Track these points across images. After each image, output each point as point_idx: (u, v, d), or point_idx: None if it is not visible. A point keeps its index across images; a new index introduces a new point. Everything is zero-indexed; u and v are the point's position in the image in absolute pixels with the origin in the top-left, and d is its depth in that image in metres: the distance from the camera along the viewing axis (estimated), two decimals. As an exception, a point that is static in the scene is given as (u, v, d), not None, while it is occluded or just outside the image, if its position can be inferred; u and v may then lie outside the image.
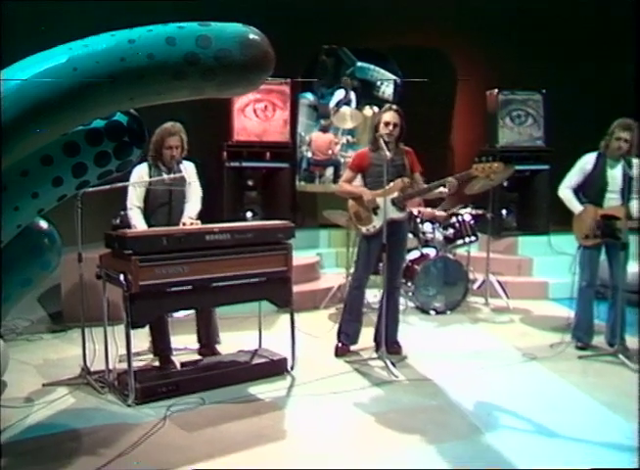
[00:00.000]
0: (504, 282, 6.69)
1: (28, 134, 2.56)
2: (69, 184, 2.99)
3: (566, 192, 5.03)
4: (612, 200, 4.83)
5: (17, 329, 5.40)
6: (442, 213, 6.46)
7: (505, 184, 7.25)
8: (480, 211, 6.57)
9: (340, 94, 8.72)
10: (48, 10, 5.58)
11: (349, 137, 8.88)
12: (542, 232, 7.36)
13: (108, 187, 3.99)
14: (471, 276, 6.50)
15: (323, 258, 7.32)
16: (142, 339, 4.56)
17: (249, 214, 7.20)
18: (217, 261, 4.06)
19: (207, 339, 4.65)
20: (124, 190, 4.38)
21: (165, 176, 4.41)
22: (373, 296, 5.83)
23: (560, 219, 5.80)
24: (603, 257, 5.00)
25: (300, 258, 6.56)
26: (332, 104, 8.76)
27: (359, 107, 8.64)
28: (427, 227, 6.45)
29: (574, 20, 7.40)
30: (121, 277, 3.81)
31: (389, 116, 4.62)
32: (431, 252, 6.38)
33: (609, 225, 4.81)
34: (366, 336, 4.94)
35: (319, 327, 5.60)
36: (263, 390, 4.18)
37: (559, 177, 5.16)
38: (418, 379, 4.43)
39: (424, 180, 4.78)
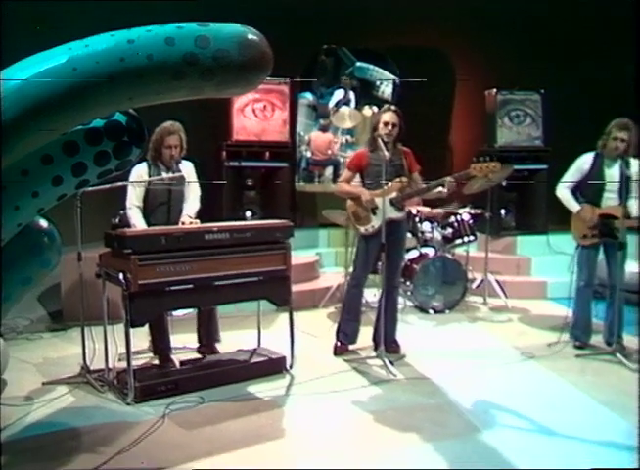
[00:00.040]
0: (503, 281, 6.71)
1: (28, 134, 2.57)
2: (69, 183, 3.00)
3: (564, 192, 5.04)
4: (609, 199, 4.85)
5: (17, 328, 5.42)
6: (439, 211, 6.47)
7: (504, 184, 7.26)
8: (478, 211, 6.59)
9: (339, 94, 8.73)
10: (48, 10, 5.59)
11: (349, 137, 8.90)
12: (541, 232, 7.39)
13: (107, 186, 4.01)
14: (469, 275, 6.52)
15: (322, 258, 7.34)
16: (142, 338, 4.58)
17: (248, 214, 7.21)
18: (216, 260, 4.08)
19: (207, 338, 4.66)
20: (124, 189, 4.40)
21: (165, 176, 4.43)
22: (372, 295, 5.85)
23: (558, 219, 5.82)
24: (601, 256, 5.01)
25: (300, 257, 6.59)
26: (331, 104, 8.78)
27: (358, 107, 8.66)
28: (425, 227, 6.47)
29: (574, 20, 7.41)
30: (121, 276, 3.82)
31: (389, 116, 4.64)
32: (429, 251, 6.41)
33: (607, 225, 4.83)
34: (365, 335, 4.96)
35: (318, 326, 5.63)
36: (262, 388, 4.20)
37: (557, 177, 5.17)
38: (416, 378, 4.45)
39: (423, 180, 4.79)
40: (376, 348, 4.72)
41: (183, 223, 4.37)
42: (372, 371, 4.54)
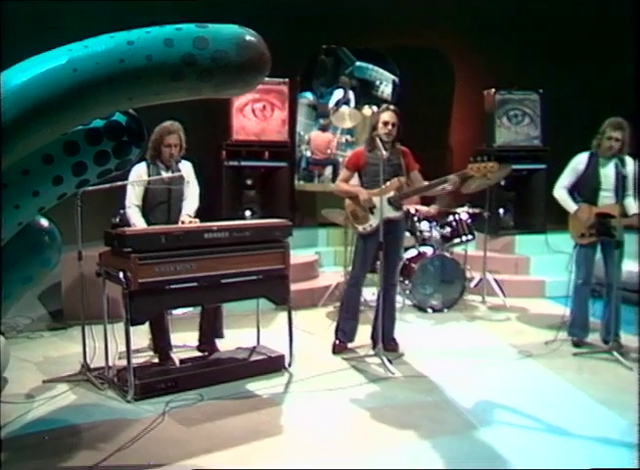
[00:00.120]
0: (501, 280, 6.73)
1: (29, 134, 2.60)
2: (70, 183, 3.02)
3: (560, 192, 5.07)
4: (606, 198, 4.87)
5: (17, 327, 5.44)
6: (430, 209, 6.49)
7: (502, 183, 7.29)
8: (477, 210, 6.62)
9: (338, 94, 8.75)
10: (48, 10, 5.61)
11: (348, 137, 8.92)
12: (539, 231, 7.41)
13: (107, 186, 4.03)
14: (468, 274, 6.54)
15: (321, 257, 7.37)
16: (141, 336, 4.62)
17: (247, 213, 7.25)
18: (216, 259, 4.11)
19: (208, 336, 4.68)
20: (124, 189, 4.43)
21: (164, 175, 4.46)
22: (371, 294, 5.87)
23: (557, 218, 5.84)
24: (599, 255, 5.04)
25: (299, 256, 6.62)
26: (331, 103, 8.80)
27: (358, 106, 8.68)
28: (424, 226, 6.49)
29: (572, 20, 7.44)
30: (121, 275, 3.85)
31: (388, 115, 4.66)
32: (428, 250, 6.43)
33: (604, 223, 4.84)
34: (364, 333, 4.99)
35: (317, 325, 5.65)
36: (261, 386, 4.22)
37: (556, 176, 5.20)
38: (414, 376, 4.48)
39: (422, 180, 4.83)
40: (374, 346, 4.75)
41: (183, 222, 4.40)
42: (370, 369, 4.57)
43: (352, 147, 8.55)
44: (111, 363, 4.27)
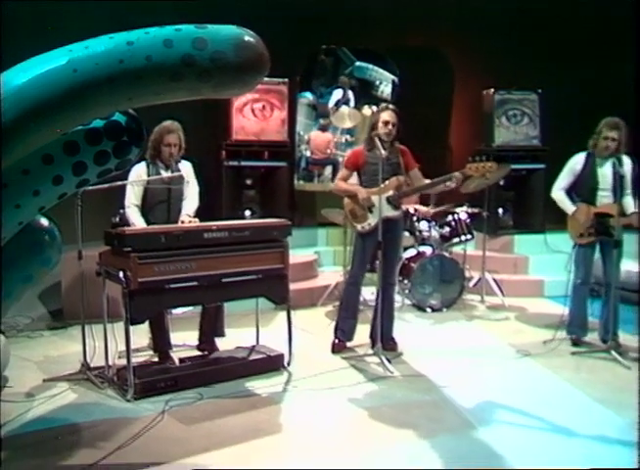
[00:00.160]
0: (500, 280, 6.75)
1: (29, 135, 2.61)
2: (70, 182, 3.04)
3: (558, 193, 5.09)
4: (604, 198, 4.89)
5: (17, 326, 5.45)
6: (428, 209, 6.51)
7: (501, 183, 7.31)
8: (475, 210, 6.63)
9: (337, 94, 8.77)
10: (48, 10, 5.63)
11: (348, 136, 8.94)
12: (538, 230, 7.43)
13: (107, 185, 4.05)
14: (467, 274, 6.56)
15: (321, 257, 7.39)
16: (141, 335, 4.63)
17: (247, 213, 7.27)
18: (215, 259, 4.12)
19: (208, 335, 4.70)
20: (123, 188, 4.44)
21: (164, 175, 4.48)
22: (370, 293, 5.89)
23: (555, 218, 5.86)
24: (597, 254, 5.05)
25: (298, 256, 6.64)
26: (330, 104, 8.82)
27: (358, 106, 8.70)
28: (423, 225, 6.51)
29: (572, 20, 7.45)
30: (121, 274, 3.87)
31: (388, 115, 4.68)
32: (427, 250, 6.44)
33: (602, 223, 4.86)
34: (363, 333, 5.00)
35: (316, 324, 5.68)
36: (260, 385, 4.24)
37: (554, 176, 5.21)
38: (413, 375, 4.50)
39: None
40: (373, 345, 4.77)
41: (182, 222, 4.41)
42: (369, 368, 4.59)
43: (352, 147, 8.56)
44: (110, 362, 4.28)
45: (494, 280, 6.70)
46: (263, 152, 7.28)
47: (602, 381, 4.38)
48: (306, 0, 7.33)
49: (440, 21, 7.97)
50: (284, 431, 3.61)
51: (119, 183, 4.28)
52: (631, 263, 5.79)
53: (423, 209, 6.53)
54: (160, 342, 4.56)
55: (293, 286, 4.68)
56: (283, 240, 4.42)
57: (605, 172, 4.88)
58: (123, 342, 3.95)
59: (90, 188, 3.69)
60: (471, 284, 6.71)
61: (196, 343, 4.73)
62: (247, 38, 2.76)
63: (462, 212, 6.57)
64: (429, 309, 6.25)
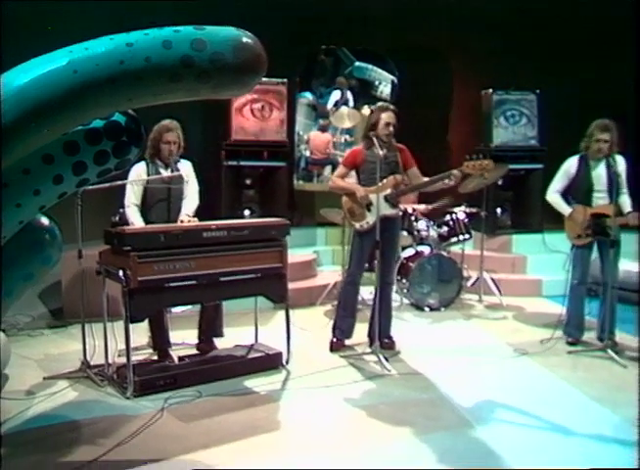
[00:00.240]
0: (498, 279, 6.78)
1: (29, 135, 2.64)
2: (70, 182, 3.07)
3: (553, 196, 5.12)
4: (600, 199, 4.92)
5: (18, 325, 5.48)
6: (428, 207, 6.53)
7: (500, 183, 7.34)
8: (474, 210, 6.66)
9: (336, 95, 8.79)
10: (48, 10, 5.65)
11: (347, 136, 8.96)
12: (536, 230, 7.46)
13: (107, 185, 4.07)
14: (465, 274, 6.58)
15: (320, 256, 7.42)
16: (141, 334, 4.66)
17: (246, 212, 7.29)
18: (214, 258, 4.15)
19: (208, 334, 4.73)
20: (123, 188, 4.47)
21: (164, 174, 4.50)
22: (369, 293, 5.91)
23: (553, 218, 5.87)
24: (595, 254, 5.08)
25: (298, 255, 6.68)
26: (329, 105, 8.84)
27: (357, 106, 8.72)
28: (421, 225, 6.53)
29: (571, 20, 7.47)
30: (120, 273, 3.89)
31: (390, 117, 4.70)
32: (425, 249, 6.47)
33: (599, 224, 4.89)
34: (361, 331, 5.03)
35: (315, 323, 5.70)
36: (259, 383, 4.27)
37: (552, 176, 5.24)
38: (410, 373, 4.52)
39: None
40: (371, 344, 4.80)
41: (182, 222, 4.44)
42: (367, 367, 4.62)
43: (351, 147, 8.58)
44: (110, 360, 4.31)
45: (492, 279, 6.73)
46: (262, 152, 7.30)
47: (598, 379, 4.40)
48: (306, 0, 7.36)
49: (440, 21, 7.99)
50: (282, 428, 3.64)
51: (119, 183, 4.30)
52: (630, 263, 5.82)
53: (421, 207, 6.56)
54: (160, 340, 4.59)
55: (292, 285, 4.71)
56: (282, 239, 4.44)
57: (599, 174, 4.92)
58: (123, 340, 3.98)
59: (90, 188, 3.72)
60: (469, 283, 6.73)
61: (195, 341, 4.76)
62: (245, 39, 2.79)
63: (460, 212, 6.60)
64: (427, 309, 6.28)
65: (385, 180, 4.70)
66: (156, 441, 3.41)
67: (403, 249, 6.45)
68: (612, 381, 4.37)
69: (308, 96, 8.88)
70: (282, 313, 4.68)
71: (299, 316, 5.60)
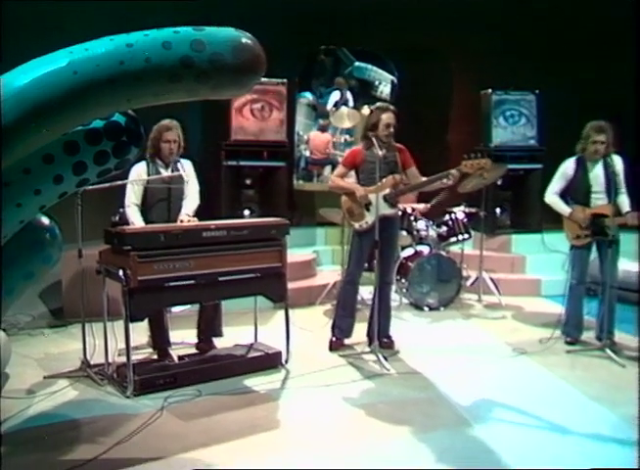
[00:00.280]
0: (497, 279, 6.79)
1: (30, 135, 2.66)
2: (70, 182, 3.08)
3: (552, 198, 5.14)
4: (598, 200, 4.94)
5: (18, 324, 5.49)
6: (427, 206, 6.54)
7: (499, 183, 7.36)
8: (473, 210, 6.68)
9: (336, 95, 8.80)
10: (48, 10, 5.67)
11: (347, 136, 8.97)
12: (535, 230, 7.47)
13: (107, 185, 4.09)
14: (464, 273, 6.59)
15: (319, 256, 7.43)
16: (141, 333, 4.67)
17: (246, 212, 7.29)
18: (214, 257, 4.17)
19: (207, 333, 4.74)
20: (123, 188, 4.48)
21: (164, 174, 4.52)
22: (368, 292, 5.92)
23: (553, 218, 5.88)
24: (594, 254, 5.09)
25: (297, 255, 6.69)
26: (329, 106, 8.85)
27: (357, 106, 8.73)
28: (420, 225, 6.54)
29: (570, 20, 7.48)
30: (120, 272, 3.91)
31: (390, 117, 4.70)
32: (425, 249, 6.48)
33: (597, 223, 4.90)
34: (361, 331, 5.04)
35: (314, 322, 5.71)
36: (258, 382, 4.28)
37: (552, 176, 5.24)
38: (409, 372, 4.54)
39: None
40: (370, 343, 4.81)
41: (181, 221, 4.45)
42: (366, 366, 4.63)
43: (351, 147, 8.59)
44: (110, 360, 4.32)
45: (491, 279, 6.74)
46: (262, 152, 7.31)
47: (597, 379, 4.41)
48: (306, 0, 7.37)
49: (439, 21, 8.00)
50: (281, 427, 3.65)
51: (119, 183, 4.31)
52: (629, 263, 5.83)
53: (420, 207, 6.57)
54: (160, 339, 4.60)
55: (291, 285, 4.72)
56: (281, 239, 4.46)
57: (597, 174, 4.94)
58: (123, 339, 4.00)
59: (90, 188, 3.74)
60: (468, 283, 6.74)
61: (195, 341, 4.77)
62: (244, 40, 2.81)
63: (459, 212, 6.61)
64: (426, 308, 6.29)
65: (383, 180, 4.72)
66: (155, 439, 3.42)
67: (402, 248, 6.46)
68: (610, 380, 4.38)
69: (308, 96, 8.89)
70: (281, 313, 4.69)
71: (299, 316, 5.62)
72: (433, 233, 6.54)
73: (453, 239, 6.58)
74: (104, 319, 4.28)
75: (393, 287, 5.46)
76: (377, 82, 8.95)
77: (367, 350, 4.81)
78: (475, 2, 7.60)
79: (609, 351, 4.80)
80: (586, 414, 3.83)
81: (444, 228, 6.57)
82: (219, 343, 4.78)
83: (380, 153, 4.56)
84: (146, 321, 4.42)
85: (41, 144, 2.83)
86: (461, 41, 8.06)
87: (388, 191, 4.77)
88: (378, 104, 5.07)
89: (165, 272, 3.99)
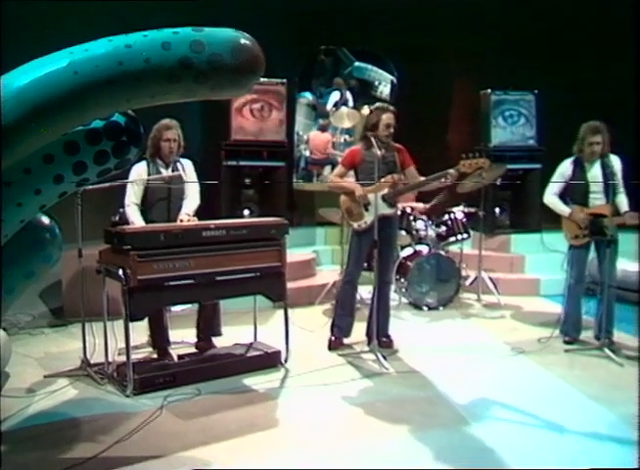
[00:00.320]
0: (496, 279, 6.80)
1: (30, 135, 2.67)
2: (70, 182, 3.11)
3: (551, 198, 5.16)
4: (596, 200, 4.95)
5: (19, 323, 5.51)
6: (426, 206, 6.55)
7: (498, 183, 7.35)
8: (472, 209, 6.69)
9: (335, 96, 8.82)
10: (48, 10, 5.68)
11: (347, 136, 8.99)
12: (534, 230, 7.48)
13: (107, 185, 4.10)
14: (463, 273, 6.61)
15: (319, 256, 7.44)
16: (140, 333, 4.68)
17: (246, 212, 7.30)
18: (214, 257, 4.18)
19: (206, 333, 4.75)
20: (123, 187, 4.50)
21: (165, 174, 4.53)
22: (367, 292, 5.93)
23: (552, 217, 5.89)
24: (593, 254, 5.10)
25: (297, 254, 6.70)
26: (329, 106, 8.86)
27: (357, 106, 8.75)
28: (420, 224, 6.55)
29: (570, 20, 7.50)
30: (120, 272, 3.92)
31: (390, 118, 4.72)
32: (424, 249, 6.49)
33: (596, 223, 4.91)
34: (360, 330, 5.05)
35: (314, 322, 5.71)
36: (257, 381, 4.30)
37: (551, 176, 5.25)
38: (408, 371, 4.55)
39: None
40: (369, 342, 4.82)
41: (181, 221, 4.47)
42: (365, 365, 4.64)
43: (350, 146, 8.60)
44: (110, 359, 4.34)
45: (490, 279, 6.74)
46: (262, 152, 7.32)
47: (595, 378, 4.42)
48: (306, 0, 7.39)
49: (439, 21, 8.01)
50: (280, 426, 3.67)
51: (119, 182, 4.32)
52: (627, 263, 5.84)
53: (419, 206, 6.58)
54: (159, 339, 4.62)
55: (291, 284, 4.74)
56: (280, 238, 4.47)
57: (595, 175, 4.95)
58: (123, 339, 4.01)
59: (90, 187, 3.75)
60: (467, 283, 6.75)
61: (194, 340, 4.78)
62: (243, 41, 2.82)
63: (458, 212, 6.62)
64: (425, 308, 6.30)
65: (382, 180, 4.73)
66: (155, 438, 3.44)
67: (402, 248, 6.47)
68: (608, 379, 4.39)
69: (308, 96, 8.91)
70: (281, 312, 4.71)
71: (298, 315, 5.63)
72: (432, 233, 6.55)
73: (452, 239, 6.59)
74: (104, 319, 4.29)
75: (393, 286, 5.47)
76: (377, 82, 8.97)
77: (366, 349, 4.82)
78: (475, 2, 7.61)
79: (607, 350, 4.81)
80: (585, 413, 3.84)
81: (443, 228, 6.58)
82: (219, 342, 4.79)
83: (379, 153, 4.57)
84: (146, 320, 4.44)
85: (41, 144, 2.85)
86: (461, 41, 8.08)
87: (386, 191, 4.78)
88: (378, 104, 5.08)
89: (165, 272, 4.00)
